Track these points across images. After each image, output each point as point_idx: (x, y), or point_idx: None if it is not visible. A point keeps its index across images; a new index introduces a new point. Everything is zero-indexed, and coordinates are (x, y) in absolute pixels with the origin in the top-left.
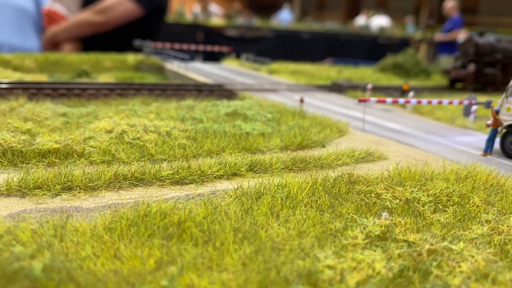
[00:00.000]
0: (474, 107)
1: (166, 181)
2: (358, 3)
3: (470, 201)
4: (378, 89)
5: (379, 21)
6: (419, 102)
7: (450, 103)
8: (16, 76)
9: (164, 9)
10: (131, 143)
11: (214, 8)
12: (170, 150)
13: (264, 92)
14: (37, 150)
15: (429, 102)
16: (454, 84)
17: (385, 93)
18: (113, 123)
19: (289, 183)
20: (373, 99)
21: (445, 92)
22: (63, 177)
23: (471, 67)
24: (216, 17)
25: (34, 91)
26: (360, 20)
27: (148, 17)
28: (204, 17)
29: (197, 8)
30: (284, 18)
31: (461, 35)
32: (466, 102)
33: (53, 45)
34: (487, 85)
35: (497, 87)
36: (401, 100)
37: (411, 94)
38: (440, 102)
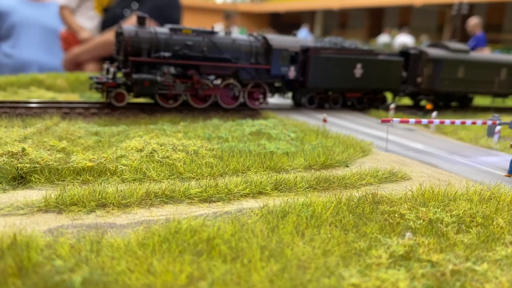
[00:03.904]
0: (498, 127)
1: (195, 198)
2: (380, 21)
3: (494, 222)
4: (400, 108)
5: (403, 40)
6: (442, 122)
7: (474, 123)
8: (49, 95)
9: None
10: (161, 162)
11: (236, 29)
12: (198, 168)
13: (287, 111)
14: (72, 168)
15: (452, 123)
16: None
17: (408, 113)
18: (144, 142)
19: (314, 202)
20: (396, 119)
21: (468, 111)
22: (97, 194)
23: None
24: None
25: (66, 110)
26: (383, 38)
27: None
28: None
29: (219, 26)
30: (303, 37)
31: (485, 53)
32: (490, 122)
33: (75, 65)
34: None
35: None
36: (424, 121)
37: (434, 114)
38: (463, 122)
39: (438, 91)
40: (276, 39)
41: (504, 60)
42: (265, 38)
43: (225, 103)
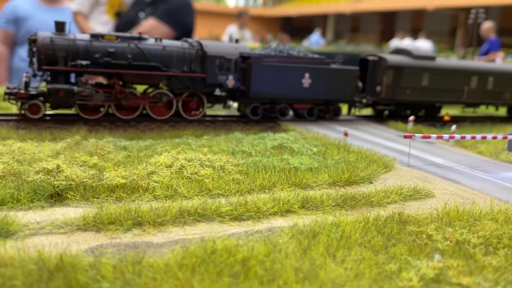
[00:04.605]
0: None
1: (226, 217)
2: (392, 25)
3: None
4: (418, 120)
5: (421, 45)
6: (463, 137)
7: (494, 138)
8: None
9: (191, 32)
10: (189, 178)
11: (248, 32)
12: (226, 185)
13: (306, 124)
14: (106, 185)
15: (473, 137)
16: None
17: (426, 124)
18: (172, 157)
19: (342, 222)
20: (418, 135)
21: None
22: (133, 212)
23: None
24: (251, 41)
25: (93, 123)
26: (395, 43)
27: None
28: (240, 36)
29: (232, 28)
30: (315, 41)
31: (499, 57)
32: (510, 136)
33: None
34: None
35: None
36: (446, 136)
37: (453, 127)
38: (484, 137)
39: (399, 100)
40: (212, 45)
41: (474, 67)
42: (200, 44)
43: (155, 114)
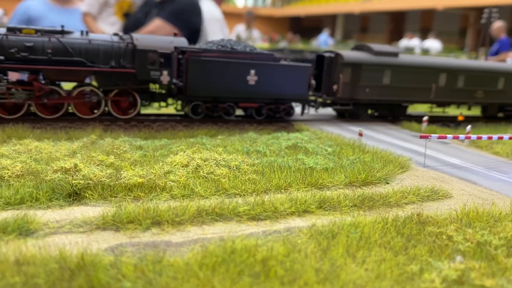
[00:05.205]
0: None
1: (244, 216)
2: (401, 25)
3: None
4: (432, 120)
5: (430, 45)
6: (479, 138)
7: (511, 138)
8: None
9: (199, 32)
10: (206, 177)
11: (256, 32)
12: (242, 185)
13: (320, 124)
14: (123, 184)
15: (490, 138)
16: None
17: (440, 124)
18: (188, 157)
19: (361, 222)
20: (434, 135)
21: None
22: (152, 211)
23: None
24: (259, 41)
25: (108, 122)
26: (404, 43)
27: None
28: (247, 35)
29: (240, 27)
30: (323, 41)
31: (510, 57)
32: None
33: None
34: None
35: None
36: (462, 136)
37: (468, 128)
38: (500, 138)
39: (358, 100)
40: (144, 38)
41: (443, 64)
42: (132, 38)
43: (81, 113)
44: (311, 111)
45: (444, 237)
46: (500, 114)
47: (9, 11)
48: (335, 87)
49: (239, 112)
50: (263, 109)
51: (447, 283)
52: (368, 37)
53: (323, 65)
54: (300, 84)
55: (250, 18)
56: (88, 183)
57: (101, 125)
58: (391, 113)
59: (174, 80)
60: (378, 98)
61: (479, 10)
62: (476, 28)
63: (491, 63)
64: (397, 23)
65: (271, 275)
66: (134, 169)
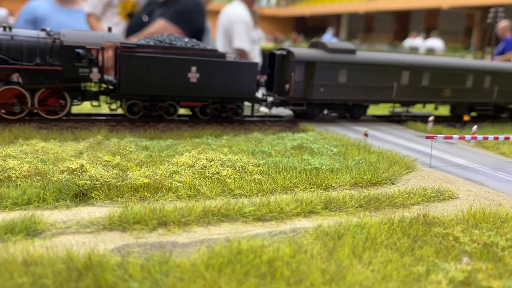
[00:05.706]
0: None
1: (249, 217)
2: (406, 25)
3: None
4: (437, 120)
5: (432, 44)
6: (485, 138)
7: None
8: (95, 109)
9: (202, 32)
10: (211, 178)
11: (259, 32)
12: (248, 185)
13: (324, 124)
14: (129, 185)
15: (496, 138)
16: None
17: (445, 124)
18: (193, 157)
19: (367, 223)
20: (440, 136)
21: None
22: (158, 212)
23: None
24: (263, 41)
25: (113, 123)
26: (408, 42)
27: None
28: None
29: None
30: (327, 40)
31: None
32: None
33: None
34: None
35: None
36: (468, 137)
37: (474, 128)
38: (507, 138)
39: (312, 100)
40: (71, 34)
41: (405, 61)
42: (59, 34)
43: (7, 114)
44: (265, 110)
45: (450, 238)
46: (473, 114)
47: (14, 11)
48: (287, 86)
49: (185, 111)
50: (208, 108)
51: (453, 284)
52: (373, 37)
53: (274, 63)
54: (248, 82)
55: (255, 18)
56: (95, 184)
57: (107, 125)
58: (350, 113)
59: (106, 77)
60: (334, 97)
61: (484, 9)
62: (481, 27)
63: (458, 60)
64: (402, 23)
65: (277, 276)
66: (140, 170)
